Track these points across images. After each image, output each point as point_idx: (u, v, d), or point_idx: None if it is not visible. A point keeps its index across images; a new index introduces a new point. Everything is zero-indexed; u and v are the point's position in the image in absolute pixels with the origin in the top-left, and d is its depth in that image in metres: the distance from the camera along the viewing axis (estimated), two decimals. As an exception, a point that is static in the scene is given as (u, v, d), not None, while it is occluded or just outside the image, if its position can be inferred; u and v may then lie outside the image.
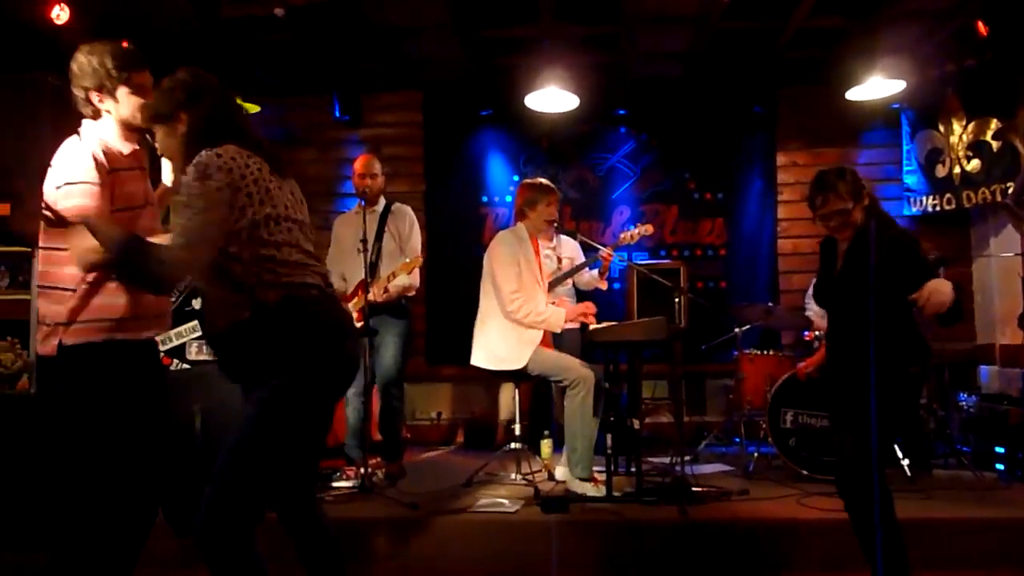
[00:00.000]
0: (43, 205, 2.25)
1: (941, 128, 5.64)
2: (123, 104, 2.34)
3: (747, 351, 5.07)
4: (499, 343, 4.01)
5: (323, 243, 4.13)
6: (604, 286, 5.03)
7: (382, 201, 4.49)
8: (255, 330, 1.98)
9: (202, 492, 1.94)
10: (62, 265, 2.24)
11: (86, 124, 2.36)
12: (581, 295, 5.10)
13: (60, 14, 4.15)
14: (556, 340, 4.24)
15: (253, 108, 5.53)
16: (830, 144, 6.07)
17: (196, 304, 4.19)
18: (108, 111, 2.35)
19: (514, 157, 6.25)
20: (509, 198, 6.15)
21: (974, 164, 5.42)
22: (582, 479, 3.83)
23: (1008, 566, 3.21)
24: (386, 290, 4.14)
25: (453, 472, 4.42)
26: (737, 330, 5.04)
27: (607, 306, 5.04)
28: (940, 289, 2.40)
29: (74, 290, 2.23)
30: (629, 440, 4.01)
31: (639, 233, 4.87)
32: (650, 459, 4.47)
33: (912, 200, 5.86)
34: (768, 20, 5.21)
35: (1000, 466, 4.31)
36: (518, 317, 3.96)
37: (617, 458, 3.99)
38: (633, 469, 3.90)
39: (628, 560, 3.29)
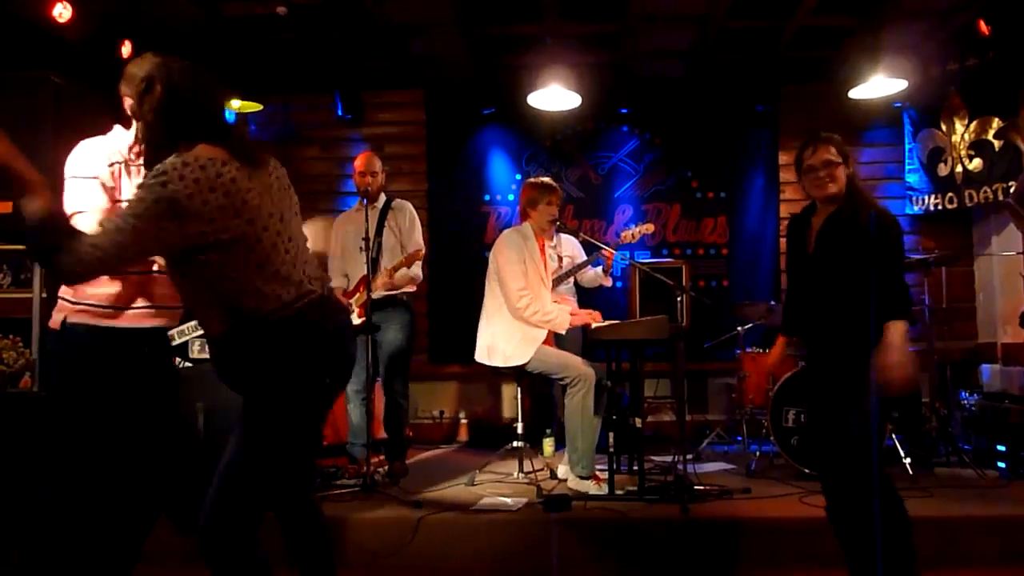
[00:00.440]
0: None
1: (943, 127, 5.64)
2: None
3: (749, 350, 5.09)
4: (503, 340, 4.01)
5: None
6: (609, 283, 5.04)
7: (383, 198, 4.51)
8: (241, 341, 1.91)
9: (204, 491, 1.92)
10: None
11: (117, 128, 2.34)
12: (584, 293, 5.11)
13: (62, 12, 4.15)
14: (558, 338, 4.25)
15: (255, 106, 5.55)
16: (832, 143, 6.07)
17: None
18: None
19: (517, 156, 6.24)
20: (512, 197, 6.15)
21: (976, 163, 5.42)
22: (583, 477, 3.84)
23: (1010, 564, 3.21)
24: (391, 276, 4.16)
25: (456, 470, 4.43)
26: (739, 329, 5.06)
27: (609, 305, 5.05)
28: (893, 363, 2.35)
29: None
30: (631, 438, 4.01)
31: (639, 232, 4.88)
32: (652, 457, 4.47)
33: (914, 199, 5.87)
34: (770, 19, 5.22)
35: (1002, 464, 4.31)
36: (525, 315, 3.97)
37: (619, 456, 4.01)
38: (635, 467, 3.91)
39: (630, 558, 3.29)
